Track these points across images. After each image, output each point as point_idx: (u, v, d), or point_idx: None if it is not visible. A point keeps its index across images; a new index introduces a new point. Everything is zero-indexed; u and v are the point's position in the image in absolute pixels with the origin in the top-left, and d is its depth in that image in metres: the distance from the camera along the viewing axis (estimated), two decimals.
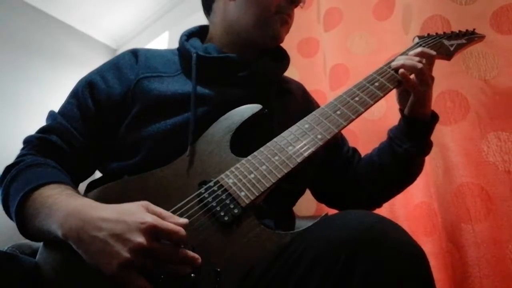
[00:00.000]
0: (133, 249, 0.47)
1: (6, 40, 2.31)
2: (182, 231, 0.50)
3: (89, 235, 0.50)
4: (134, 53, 0.82)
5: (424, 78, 0.73)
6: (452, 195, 0.93)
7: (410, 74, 0.74)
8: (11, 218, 0.62)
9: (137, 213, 0.51)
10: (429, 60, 0.76)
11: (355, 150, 0.92)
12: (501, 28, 0.99)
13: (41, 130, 0.73)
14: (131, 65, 0.79)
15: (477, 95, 0.97)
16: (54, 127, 0.73)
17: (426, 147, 0.80)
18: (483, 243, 0.86)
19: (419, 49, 0.77)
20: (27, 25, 2.44)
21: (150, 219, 0.49)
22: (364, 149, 0.93)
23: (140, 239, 0.47)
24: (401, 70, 0.73)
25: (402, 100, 0.80)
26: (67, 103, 0.76)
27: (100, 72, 0.79)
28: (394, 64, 0.76)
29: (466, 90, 0.99)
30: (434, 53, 0.78)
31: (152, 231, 0.49)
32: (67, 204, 0.56)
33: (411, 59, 0.74)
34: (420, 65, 0.72)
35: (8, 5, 2.37)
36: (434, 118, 0.79)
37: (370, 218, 0.49)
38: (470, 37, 0.87)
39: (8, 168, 0.66)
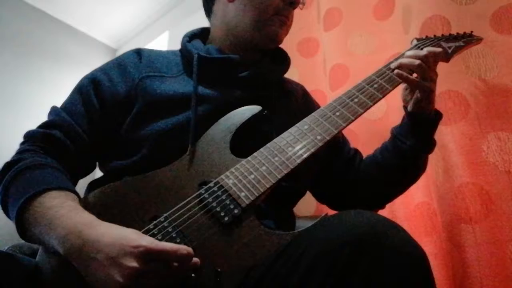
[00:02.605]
0: (126, 274, 0.47)
1: (6, 40, 2.31)
2: (182, 249, 0.50)
3: (88, 256, 0.50)
4: (138, 53, 0.82)
5: (426, 73, 0.73)
6: (452, 195, 0.93)
7: (412, 73, 0.74)
8: (9, 217, 0.62)
9: (133, 236, 0.50)
10: (434, 58, 0.77)
11: (356, 151, 0.92)
12: (501, 28, 0.99)
13: (44, 125, 0.72)
14: (135, 64, 0.79)
15: (477, 95, 0.97)
16: (57, 122, 0.72)
17: (430, 144, 0.80)
18: (483, 243, 0.86)
19: (424, 52, 0.75)
20: (27, 25, 2.44)
21: (145, 242, 0.49)
22: (365, 149, 0.93)
23: (133, 264, 0.47)
24: (396, 71, 0.74)
25: (407, 97, 0.80)
26: (71, 99, 0.76)
27: (104, 70, 0.79)
28: (394, 64, 0.77)
29: (466, 90, 0.99)
30: (439, 50, 0.78)
31: (146, 255, 0.48)
32: (67, 219, 0.55)
33: (408, 57, 0.75)
34: (417, 62, 0.73)
35: (8, 5, 2.37)
36: (438, 115, 0.79)
37: (370, 218, 0.49)
38: (468, 39, 0.87)
39: (8, 166, 0.65)
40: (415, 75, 0.74)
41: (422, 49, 0.79)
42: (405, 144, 0.78)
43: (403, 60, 0.75)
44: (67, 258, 0.53)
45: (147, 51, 0.83)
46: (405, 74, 0.73)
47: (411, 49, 0.83)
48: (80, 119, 0.73)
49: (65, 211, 0.56)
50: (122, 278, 0.47)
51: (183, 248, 0.50)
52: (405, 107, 0.81)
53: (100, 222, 0.55)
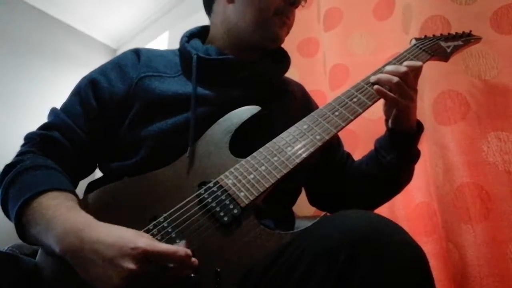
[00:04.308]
0: (124, 276, 0.47)
1: (6, 40, 2.31)
2: (180, 251, 0.49)
3: (85, 256, 0.50)
4: (136, 53, 0.82)
5: (403, 91, 0.71)
6: (452, 195, 0.93)
7: (389, 89, 0.71)
8: (9, 219, 0.62)
9: (131, 237, 0.50)
10: (414, 73, 0.74)
11: (348, 155, 0.93)
12: (501, 28, 0.99)
13: (43, 127, 0.73)
14: (133, 64, 0.79)
15: (477, 95, 0.97)
16: (56, 123, 0.72)
17: (411, 157, 0.80)
18: (483, 243, 0.86)
19: (403, 69, 0.72)
20: (27, 25, 2.44)
21: (142, 244, 0.48)
22: (364, 149, 0.93)
23: (130, 265, 0.47)
24: (375, 86, 0.72)
25: (387, 111, 0.78)
26: (70, 100, 0.76)
27: (102, 70, 0.79)
28: (373, 78, 0.74)
29: (466, 90, 0.98)
30: (419, 64, 0.76)
31: (143, 257, 0.48)
32: (65, 219, 0.54)
33: (387, 73, 0.72)
34: (395, 79, 0.70)
35: (8, 5, 2.37)
36: (419, 128, 0.78)
37: (370, 218, 0.49)
38: (467, 39, 0.88)
39: (8, 168, 0.65)
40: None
41: (420, 49, 0.79)
42: (385, 159, 0.78)
43: (382, 76, 0.72)
44: (64, 257, 0.52)
45: (146, 51, 0.83)
46: (384, 90, 0.71)
47: (410, 49, 0.83)
48: (78, 120, 0.73)
49: (63, 211, 0.56)
50: (118, 280, 0.47)
51: (182, 250, 0.49)
52: (386, 121, 0.80)
53: (99, 223, 0.54)
